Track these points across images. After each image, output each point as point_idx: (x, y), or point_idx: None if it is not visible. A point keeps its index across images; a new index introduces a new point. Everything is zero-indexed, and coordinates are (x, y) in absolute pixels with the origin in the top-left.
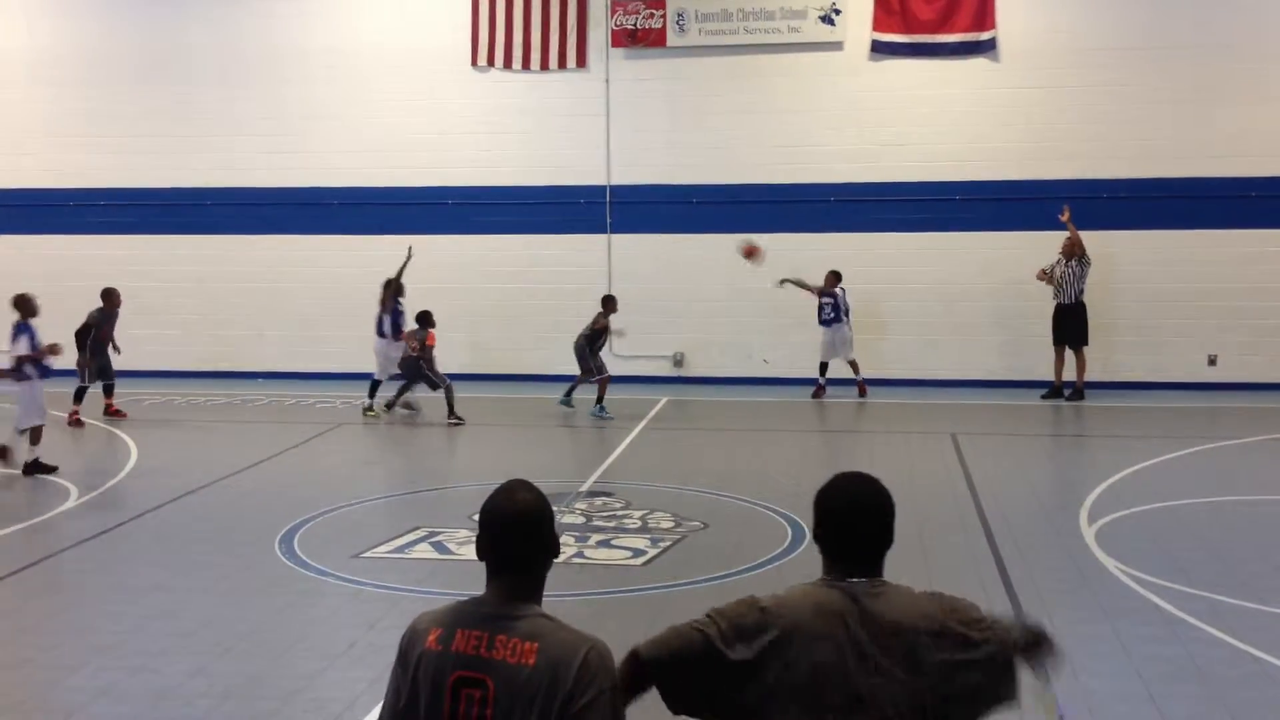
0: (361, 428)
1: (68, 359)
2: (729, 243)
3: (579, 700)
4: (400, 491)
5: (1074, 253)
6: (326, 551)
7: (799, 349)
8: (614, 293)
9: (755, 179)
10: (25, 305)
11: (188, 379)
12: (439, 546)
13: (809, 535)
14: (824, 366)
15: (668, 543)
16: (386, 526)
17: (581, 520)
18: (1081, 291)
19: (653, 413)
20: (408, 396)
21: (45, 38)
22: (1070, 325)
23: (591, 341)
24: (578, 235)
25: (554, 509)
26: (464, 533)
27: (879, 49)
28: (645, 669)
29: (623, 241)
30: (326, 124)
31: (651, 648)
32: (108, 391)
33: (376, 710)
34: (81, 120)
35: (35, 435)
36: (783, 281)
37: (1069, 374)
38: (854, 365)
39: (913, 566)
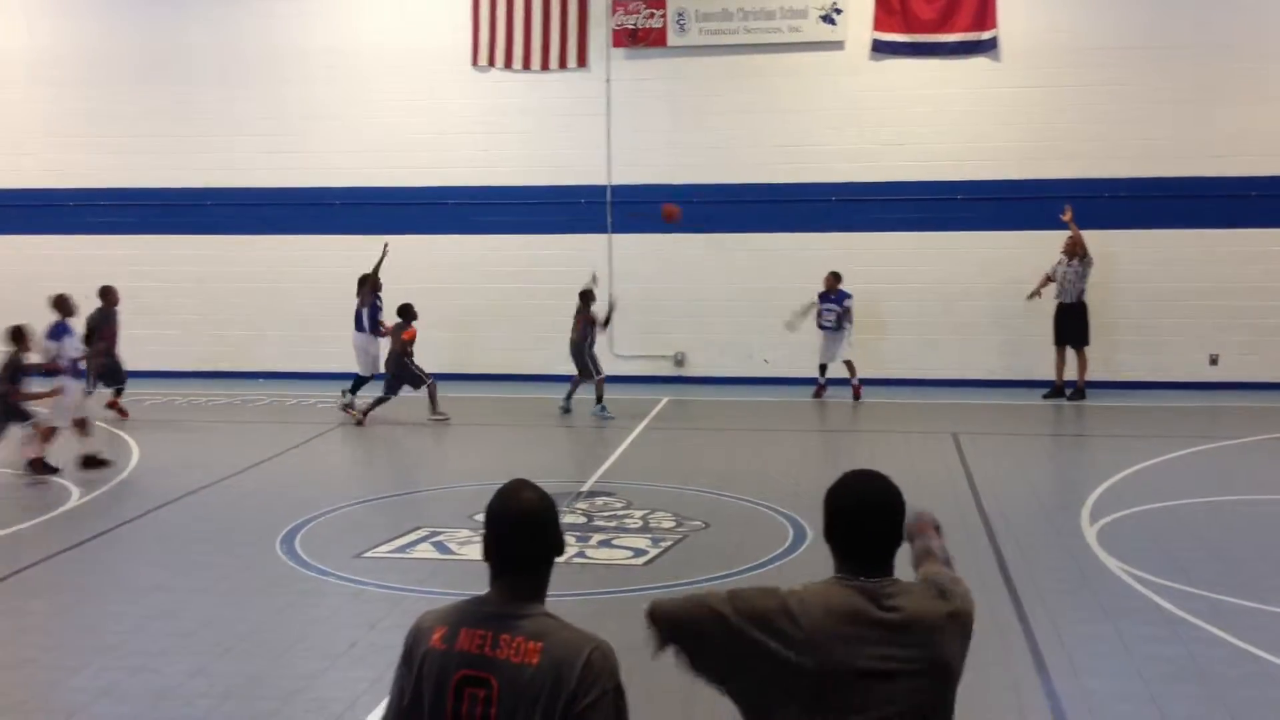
0: (362, 428)
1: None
2: (730, 243)
3: (582, 700)
4: (401, 491)
5: (1076, 252)
6: (327, 551)
7: (799, 349)
8: (615, 293)
9: (755, 179)
10: (64, 305)
11: (188, 379)
12: (440, 546)
13: (810, 535)
14: (823, 368)
15: (669, 542)
16: (388, 526)
17: (583, 520)
18: (1083, 291)
19: (653, 412)
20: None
21: (45, 38)
22: (1071, 325)
23: (586, 339)
24: (578, 235)
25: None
26: (465, 533)
27: (879, 48)
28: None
29: (623, 241)
30: (326, 124)
31: (671, 606)
32: (117, 393)
33: (377, 710)
34: (81, 120)
35: (49, 435)
36: (789, 325)
37: (1070, 373)
38: (850, 366)
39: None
